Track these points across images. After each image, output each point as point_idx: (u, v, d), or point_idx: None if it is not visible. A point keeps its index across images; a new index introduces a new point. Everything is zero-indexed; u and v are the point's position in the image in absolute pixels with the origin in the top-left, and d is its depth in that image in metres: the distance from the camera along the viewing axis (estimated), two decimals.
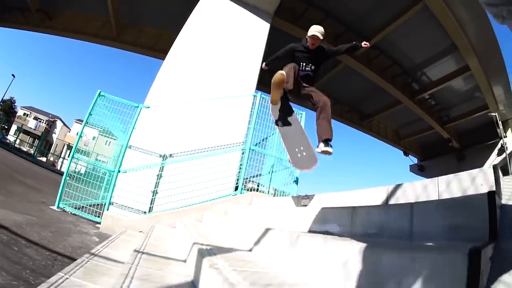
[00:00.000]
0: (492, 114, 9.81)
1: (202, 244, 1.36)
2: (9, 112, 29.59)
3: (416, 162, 15.55)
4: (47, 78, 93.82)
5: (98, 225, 3.06)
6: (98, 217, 3.17)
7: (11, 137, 19.73)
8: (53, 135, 28.54)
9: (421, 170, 15.03)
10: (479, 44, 7.23)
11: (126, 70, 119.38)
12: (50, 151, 22.63)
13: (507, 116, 10.02)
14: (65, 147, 24.32)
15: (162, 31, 9.37)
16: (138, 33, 9.60)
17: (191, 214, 3.02)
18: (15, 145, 16.05)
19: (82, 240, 2.18)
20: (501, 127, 10.01)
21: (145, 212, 3.33)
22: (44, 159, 16.73)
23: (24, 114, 28.40)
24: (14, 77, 18.11)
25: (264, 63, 2.64)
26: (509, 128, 10.69)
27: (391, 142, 13.71)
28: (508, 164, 10.52)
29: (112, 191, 3.20)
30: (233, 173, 3.58)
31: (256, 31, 5.30)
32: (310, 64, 2.38)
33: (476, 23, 6.77)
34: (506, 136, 10.64)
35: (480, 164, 12.20)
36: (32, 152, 16.50)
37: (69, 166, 3.31)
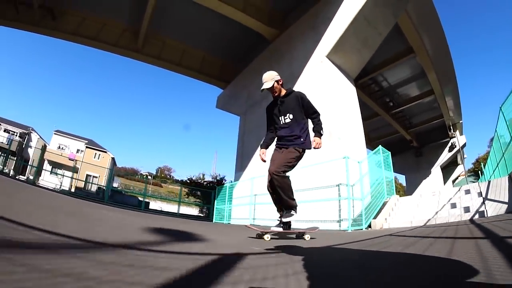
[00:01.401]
0: (447, 122, 11.66)
1: None
2: None
3: None
4: (9, 82, 75.15)
5: None
6: None
7: None
8: (29, 149, 23.05)
9: None
10: (443, 74, 8.80)
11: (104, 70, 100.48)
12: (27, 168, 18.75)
13: (455, 121, 11.97)
14: (46, 162, 20.18)
15: (187, 46, 9.67)
16: (162, 46, 9.64)
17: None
18: None
19: None
20: (452, 130, 11.93)
21: None
22: (21, 177, 13.75)
23: None
24: None
25: (260, 150, 2.01)
26: (457, 130, 12.74)
27: None
28: (460, 157, 12.58)
29: None
30: None
31: (347, 92, 5.73)
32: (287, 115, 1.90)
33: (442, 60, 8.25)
34: (455, 136, 12.64)
35: (435, 159, 14.26)
36: (5, 170, 13.24)
37: None
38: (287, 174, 1.81)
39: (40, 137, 25.63)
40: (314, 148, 1.85)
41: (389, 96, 11.25)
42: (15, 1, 8.43)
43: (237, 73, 9.45)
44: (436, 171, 13.55)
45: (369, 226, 3.88)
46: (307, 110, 1.94)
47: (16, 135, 22.43)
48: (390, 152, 4.80)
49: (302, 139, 1.87)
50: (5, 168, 15.91)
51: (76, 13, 8.84)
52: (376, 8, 5.42)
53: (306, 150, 1.91)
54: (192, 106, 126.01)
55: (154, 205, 20.02)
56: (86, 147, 22.75)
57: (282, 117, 1.94)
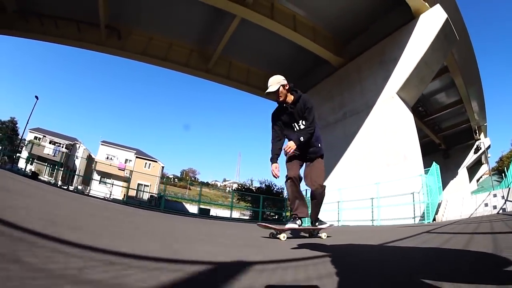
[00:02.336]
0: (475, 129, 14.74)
1: None
2: (12, 135, 25.14)
3: None
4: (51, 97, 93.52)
5: None
6: None
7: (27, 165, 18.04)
8: (76, 160, 25.65)
9: None
10: (469, 80, 12.05)
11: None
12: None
13: (480, 123, 14.96)
14: (94, 172, 22.79)
15: (249, 66, 11.91)
16: (228, 66, 11.77)
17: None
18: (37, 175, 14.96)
19: None
20: (477, 133, 15.03)
21: None
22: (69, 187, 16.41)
23: (36, 137, 24.53)
24: (37, 99, 16.31)
25: (272, 165, 2.09)
26: (482, 132, 15.75)
27: None
28: (485, 157, 15.82)
29: None
30: None
31: (410, 120, 8.36)
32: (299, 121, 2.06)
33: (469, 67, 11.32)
34: (480, 139, 15.67)
35: (462, 160, 17.29)
36: (54, 181, 15.76)
37: None
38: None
39: (86, 148, 28.34)
40: (285, 149, 1.98)
41: (423, 105, 13.98)
42: (78, 21, 10.56)
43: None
44: (462, 172, 16.54)
45: (434, 219, 6.66)
46: (305, 118, 2.04)
47: (62, 147, 24.93)
48: (439, 166, 7.55)
49: (320, 146, 2.18)
50: (52, 178, 18.39)
51: (142, 33, 10.96)
52: (433, 53, 8.02)
53: None
54: (211, 107, 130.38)
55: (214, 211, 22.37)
56: (136, 157, 25.44)
57: (295, 123, 2.08)
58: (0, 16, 10.72)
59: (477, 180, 19.09)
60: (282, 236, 1.87)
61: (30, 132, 25.78)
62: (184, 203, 17.64)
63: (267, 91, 2.05)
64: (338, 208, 8.52)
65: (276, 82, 2.06)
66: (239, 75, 11.79)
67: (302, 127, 2.11)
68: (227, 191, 45.31)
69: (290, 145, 1.98)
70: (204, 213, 13.88)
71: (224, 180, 70.63)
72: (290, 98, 2.11)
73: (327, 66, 10.90)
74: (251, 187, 17.50)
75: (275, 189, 15.97)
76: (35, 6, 10.42)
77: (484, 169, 19.20)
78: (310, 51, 9.94)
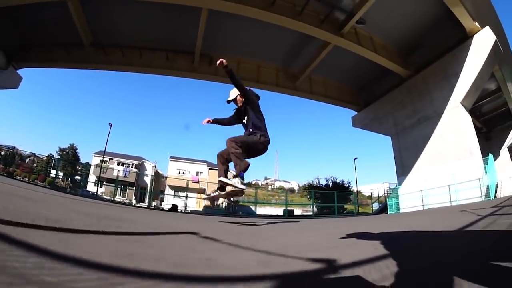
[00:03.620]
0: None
1: None
2: (74, 160, 29.87)
3: None
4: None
5: None
6: None
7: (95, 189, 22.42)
8: (145, 178, 30.24)
9: None
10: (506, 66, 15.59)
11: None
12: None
13: None
14: (167, 188, 27.23)
15: (326, 79, 15.91)
16: (309, 81, 15.75)
17: None
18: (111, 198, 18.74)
19: None
20: None
21: None
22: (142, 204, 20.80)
23: (102, 161, 28.78)
24: (111, 126, 20.37)
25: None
26: None
27: None
28: None
29: None
30: None
31: (470, 121, 12.68)
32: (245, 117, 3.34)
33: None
34: None
35: (503, 141, 21.79)
36: (131, 201, 20.10)
37: None
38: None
39: (154, 166, 33.26)
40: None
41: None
42: (167, 51, 14.27)
43: (369, 100, 16.30)
44: (504, 152, 21.03)
45: (495, 196, 11.02)
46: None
47: (131, 167, 29.32)
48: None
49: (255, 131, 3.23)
50: (126, 198, 22.85)
51: (231, 58, 14.54)
52: (486, 67, 12.24)
53: None
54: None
55: (262, 210, 25.98)
56: (209, 168, 29.82)
57: (245, 117, 3.32)
58: (78, 52, 14.48)
59: None
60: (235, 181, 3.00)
61: (94, 156, 30.13)
62: (251, 206, 21.72)
63: (228, 99, 3.39)
64: (422, 196, 12.87)
65: (234, 93, 3.35)
66: (319, 88, 15.99)
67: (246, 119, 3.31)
68: (273, 189, 51.34)
69: (222, 60, 3.08)
70: (290, 214, 18.18)
71: (265, 179, 76.40)
72: (241, 101, 3.39)
73: (391, 77, 14.94)
74: (319, 185, 22.07)
75: (343, 183, 20.64)
76: (115, 39, 14.15)
77: None
78: (376, 63, 14.03)
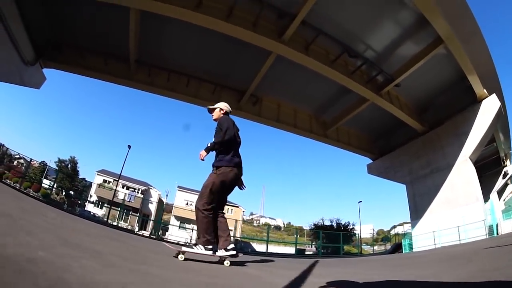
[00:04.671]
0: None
1: None
2: (73, 175, 30.57)
3: None
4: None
5: None
6: None
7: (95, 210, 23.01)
8: (149, 205, 30.49)
9: None
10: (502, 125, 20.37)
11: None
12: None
13: (506, 151, 24.20)
14: (173, 218, 28.18)
15: (349, 129, 20.00)
16: (336, 130, 19.55)
17: None
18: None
19: None
20: (504, 161, 24.25)
21: None
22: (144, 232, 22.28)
23: (104, 180, 28.39)
24: (129, 148, 21.55)
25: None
26: (508, 159, 25.10)
27: None
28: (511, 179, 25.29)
29: None
30: None
31: (473, 174, 16.60)
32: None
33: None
34: (507, 165, 25.00)
35: (492, 186, 26.65)
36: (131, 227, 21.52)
37: None
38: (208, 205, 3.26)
39: (165, 194, 34.96)
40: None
41: None
42: (216, 84, 16.95)
43: (384, 149, 20.70)
44: (494, 196, 25.88)
45: (497, 233, 14.78)
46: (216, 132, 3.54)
47: (137, 192, 30.24)
48: None
49: (220, 160, 3.45)
50: (126, 223, 24.32)
51: (272, 100, 18.21)
52: (490, 128, 16.82)
53: None
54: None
55: (272, 248, 28.36)
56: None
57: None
58: (117, 65, 16.06)
59: (504, 200, 28.68)
60: (180, 257, 3.00)
61: (97, 174, 31.16)
62: (251, 243, 23.47)
63: (209, 106, 3.84)
64: (433, 236, 16.33)
65: (218, 105, 3.84)
66: (344, 137, 20.13)
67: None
68: (259, 225, 54.74)
69: (200, 153, 3.40)
70: (301, 253, 20.90)
71: (251, 214, 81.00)
72: (215, 116, 3.78)
73: (407, 130, 18.88)
74: (323, 225, 25.58)
75: (346, 225, 24.49)
76: (162, 61, 16.23)
77: (510, 189, 28.81)
78: (394, 117, 18.19)
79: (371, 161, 23.16)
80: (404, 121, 18.12)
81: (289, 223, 71.11)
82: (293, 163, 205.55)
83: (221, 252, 3.18)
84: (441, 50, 13.94)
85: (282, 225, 64.92)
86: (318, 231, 24.06)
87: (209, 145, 3.42)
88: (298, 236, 24.80)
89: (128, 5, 12.40)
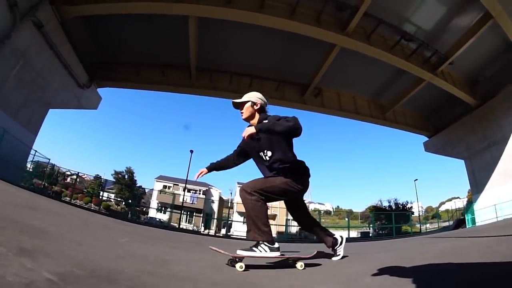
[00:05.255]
0: None
1: None
2: (131, 184, 34.04)
3: None
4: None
5: None
6: None
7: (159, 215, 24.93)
8: (212, 204, 32.99)
9: None
10: None
11: None
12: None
13: None
14: (236, 214, 32.93)
15: (404, 108, 21.38)
16: (393, 112, 21.20)
17: None
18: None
19: None
20: None
21: None
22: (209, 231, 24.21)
23: (165, 186, 30.57)
24: (192, 152, 23.48)
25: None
26: None
27: None
28: None
29: None
30: None
31: None
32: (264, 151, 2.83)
33: None
34: None
35: None
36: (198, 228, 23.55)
37: None
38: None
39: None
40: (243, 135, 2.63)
41: None
42: (279, 81, 18.60)
43: (439, 126, 21.86)
44: None
45: None
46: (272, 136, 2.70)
47: (199, 193, 32.63)
48: None
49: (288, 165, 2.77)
50: (191, 224, 26.43)
51: (331, 90, 20.04)
52: None
53: None
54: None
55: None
56: None
57: (262, 152, 2.80)
58: (175, 75, 17.79)
59: None
60: (239, 266, 2.26)
61: (157, 181, 33.51)
62: None
63: (235, 100, 2.91)
64: (495, 209, 17.65)
65: (248, 96, 2.91)
66: (400, 117, 21.38)
67: (267, 158, 2.76)
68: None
69: (247, 129, 2.56)
70: (365, 236, 22.44)
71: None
72: (255, 119, 2.83)
73: (460, 105, 20.41)
74: (382, 207, 26.94)
75: (404, 205, 25.78)
76: (220, 64, 17.89)
77: None
78: (446, 93, 19.60)
79: (426, 138, 23.92)
80: (457, 96, 19.56)
81: (338, 206, 73.03)
82: (334, 146, 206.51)
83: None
84: (489, 23, 14.88)
85: (331, 210, 66.56)
86: (377, 212, 25.65)
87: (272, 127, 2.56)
88: (350, 219, 27.03)
89: (193, 14, 13.82)
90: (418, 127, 23.03)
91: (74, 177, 25.87)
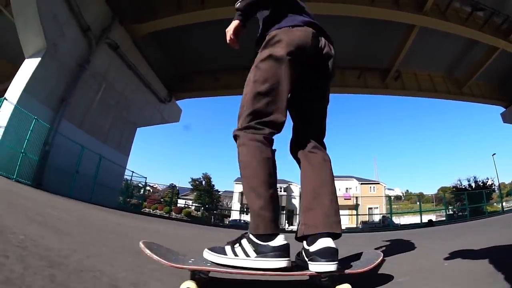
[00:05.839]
0: None
1: None
2: (210, 189, 35.88)
3: None
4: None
5: None
6: None
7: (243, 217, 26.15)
8: (293, 200, 34.37)
9: None
10: None
11: None
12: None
13: None
14: None
15: (477, 81, 21.46)
16: (469, 85, 21.43)
17: None
18: None
19: None
20: None
21: None
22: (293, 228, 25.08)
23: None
24: (275, 151, 25.14)
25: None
26: None
27: None
28: None
29: None
30: None
31: None
32: None
33: None
34: None
35: None
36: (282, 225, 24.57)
37: None
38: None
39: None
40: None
41: None
42: (362, 69, 19.46)
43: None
44: None
45: None
46: None
47: (280, 190, 34.40)
48: None
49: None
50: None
51: (408, 71, 20.44)
52: None
53: None
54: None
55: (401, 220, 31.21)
56: (360, 183, 34.90)
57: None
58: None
59: None
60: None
61: (236, 183, 37.63)
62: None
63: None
64: None
65: None
66: (476, 90, 22.16)
67: None
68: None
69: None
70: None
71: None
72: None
73: None
74: (461, 187, 26.73)
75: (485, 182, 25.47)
76: None
77: None
78: None
79: (502, 109, 23.17)
80: None
81: (407, 191, 70.68)
82: (395, 128, 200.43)
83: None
84: None
85: (401, 194, 65.01)
86: (457, 192, 25.22)
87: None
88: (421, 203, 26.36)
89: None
90: (494, 98, 22.59)
91: (148, 188, 27.34)
